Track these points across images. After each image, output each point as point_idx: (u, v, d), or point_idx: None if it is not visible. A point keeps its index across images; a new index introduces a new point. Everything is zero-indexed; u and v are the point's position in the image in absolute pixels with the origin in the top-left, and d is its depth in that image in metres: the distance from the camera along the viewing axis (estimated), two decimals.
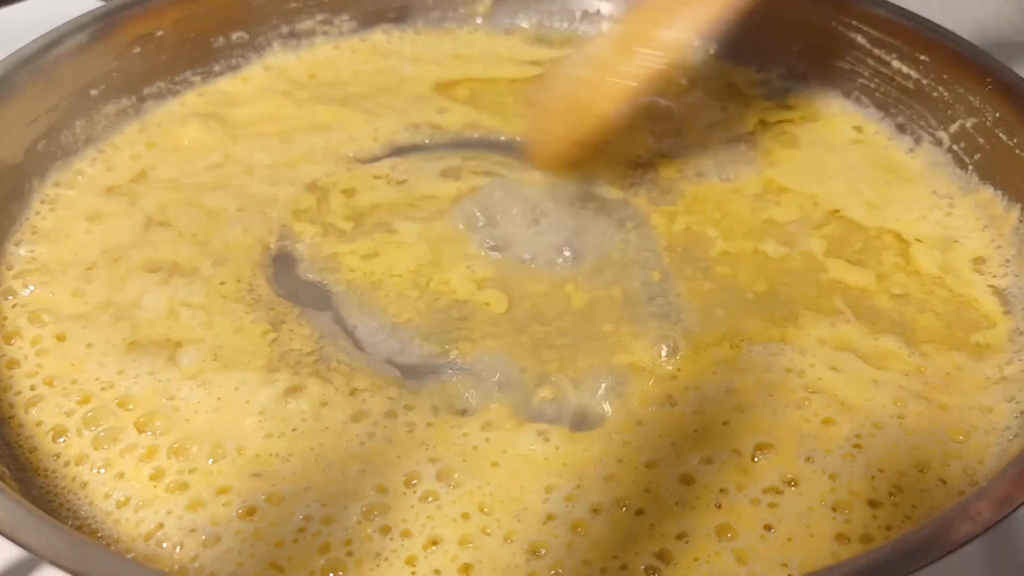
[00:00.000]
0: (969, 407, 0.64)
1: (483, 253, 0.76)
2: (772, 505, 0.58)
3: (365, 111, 0.90)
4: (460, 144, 0.88)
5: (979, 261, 0.75)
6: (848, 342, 0.68)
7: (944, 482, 0.59)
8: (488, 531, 0.57)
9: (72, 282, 0.73)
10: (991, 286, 0.73)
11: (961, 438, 0.62)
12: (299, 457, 0.61)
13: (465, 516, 0.58)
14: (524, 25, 1.01)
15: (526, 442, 0.62)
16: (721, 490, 0.59)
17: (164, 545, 0.57)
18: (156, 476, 0.60)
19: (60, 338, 0.68)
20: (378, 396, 0.65)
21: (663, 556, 0.56)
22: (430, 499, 0.59)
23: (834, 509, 0.58)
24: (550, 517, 0.58)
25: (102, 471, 0.60)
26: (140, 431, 0.62)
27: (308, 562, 0.56)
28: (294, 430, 0.63)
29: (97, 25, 0.85)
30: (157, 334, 0.69)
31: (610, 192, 0.82)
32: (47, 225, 0.77)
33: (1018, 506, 0.50)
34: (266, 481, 0.60)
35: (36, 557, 0.50)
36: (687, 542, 0.56)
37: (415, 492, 0.59)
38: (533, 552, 0.56)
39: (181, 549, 0.57)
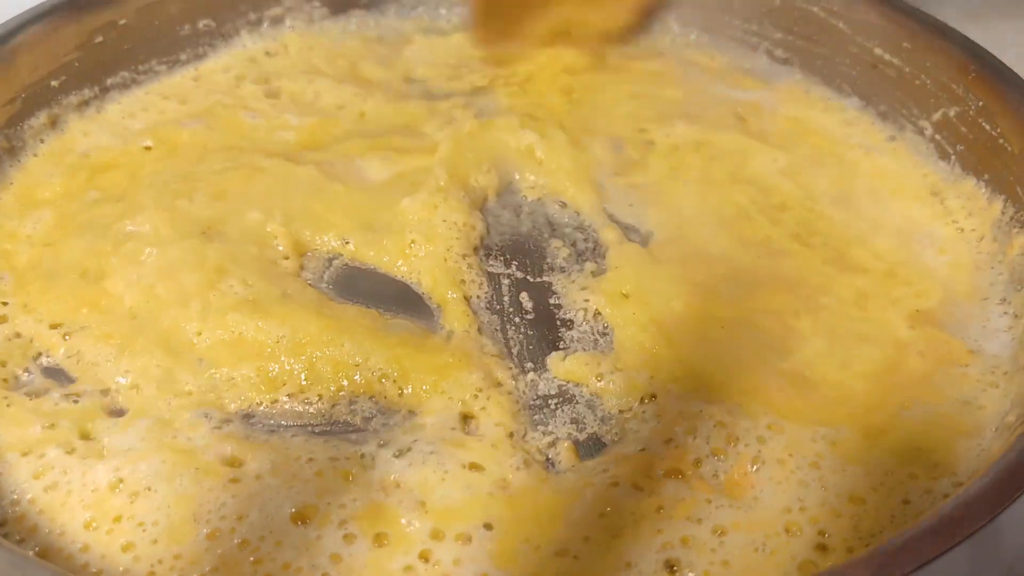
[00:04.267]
0: (951, 404, 0.62)
1: None
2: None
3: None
4: None
5: (959, 252, 0.73)
6: (818, 336, 0.67)
7: (928, 490, 0.58)
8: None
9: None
10: (968, 277, 0.72)
11: (946, 436, 0.60)
12: None
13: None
14: None
15: None
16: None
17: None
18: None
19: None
20: None
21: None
22: None
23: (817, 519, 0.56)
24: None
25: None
26: None
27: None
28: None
29: (58, 13, 0.83)
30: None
31: None
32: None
33: (1003, 509, 0.49)
34: None
35: None
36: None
37: None
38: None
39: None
